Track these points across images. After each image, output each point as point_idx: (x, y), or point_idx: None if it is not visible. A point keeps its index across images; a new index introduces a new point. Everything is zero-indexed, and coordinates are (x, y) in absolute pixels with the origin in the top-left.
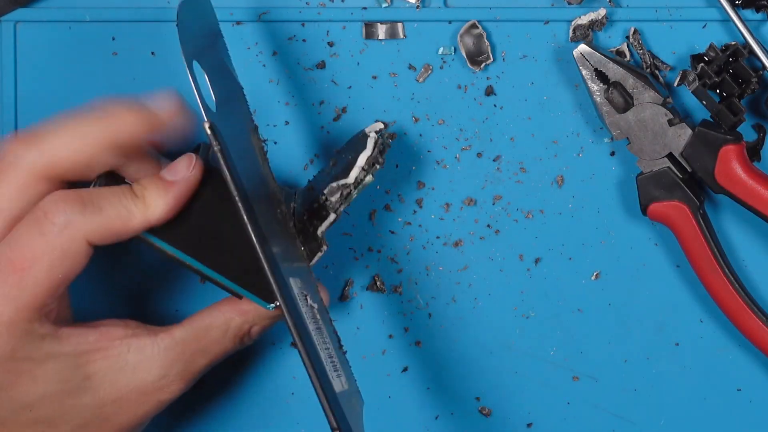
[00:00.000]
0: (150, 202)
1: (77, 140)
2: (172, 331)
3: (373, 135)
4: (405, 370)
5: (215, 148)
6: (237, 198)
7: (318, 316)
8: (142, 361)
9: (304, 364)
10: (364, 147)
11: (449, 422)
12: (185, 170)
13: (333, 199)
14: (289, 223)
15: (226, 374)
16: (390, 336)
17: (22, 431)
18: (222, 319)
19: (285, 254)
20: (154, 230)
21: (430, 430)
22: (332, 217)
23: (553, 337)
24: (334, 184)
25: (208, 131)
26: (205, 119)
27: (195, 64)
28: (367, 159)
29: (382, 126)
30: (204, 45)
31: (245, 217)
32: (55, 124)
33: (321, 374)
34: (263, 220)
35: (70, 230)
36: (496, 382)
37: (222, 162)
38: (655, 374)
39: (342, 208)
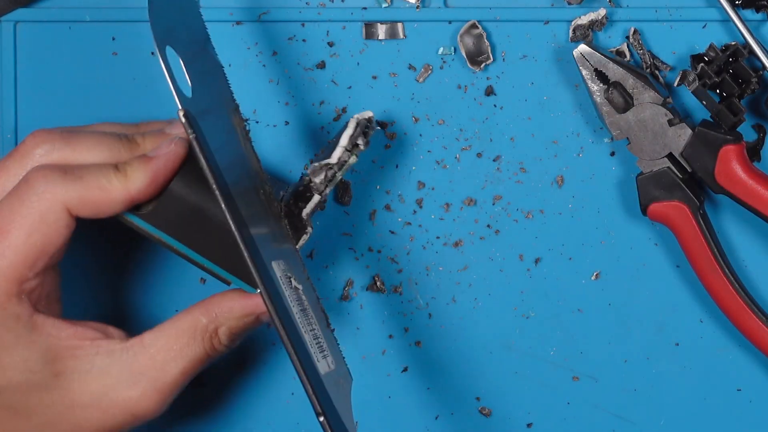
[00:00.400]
0: (130, 175)
1: (104, 184)
2: (143, 337)
3: (356, 117)
4: (405, 370)
5: (190, 137)
6: (213, 183)
7: (303, 297)
8: (110, 365)
9: (285, 348)
10: (346, 128)
11: (449, 422)
12: (166, 146)
13: (317, 180)
14: (273, 204)
15: (227, 374)
16: (390, 336)
17: None
18: (190, 321)
19: (267, 236)
20: (140, 213)
21: (430, 430)
22: (317, 198)
23: (553, 337)
24: (317, 164)
25: (182, 119)
26: (179, 107)
27: (169, 49)
28: (349, 138)
29: (370, 114)
30: (180, 30)
31: (222, 203)
32: (85, 164)
33: (303, 357)
34: (244, 201)
35: (49, 195)
36: (496, 382)
37: (197, 149)
38: (655, 374)
39: (327, 190)
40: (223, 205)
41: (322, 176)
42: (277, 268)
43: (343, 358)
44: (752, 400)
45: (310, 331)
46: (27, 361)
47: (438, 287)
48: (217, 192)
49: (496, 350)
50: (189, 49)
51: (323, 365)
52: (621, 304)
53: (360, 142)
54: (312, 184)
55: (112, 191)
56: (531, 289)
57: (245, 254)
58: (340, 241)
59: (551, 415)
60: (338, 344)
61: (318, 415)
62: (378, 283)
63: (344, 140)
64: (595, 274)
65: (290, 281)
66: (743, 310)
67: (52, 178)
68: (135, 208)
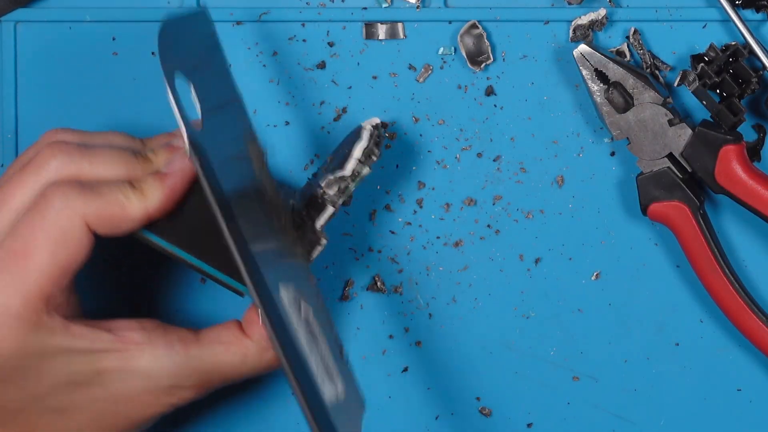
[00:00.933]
0: (147, 192)
1: (121, 199)
2: (189, 347)
3: (368, 127)
4: (405, 370)
5: (195, 163)
6: (214, 206)
7: (312, 320)
8: (154, 370)
9: (286, 375)
10: (360, 139)
11: (449, 422)
12: (179, 162)
13: (331, 192)
14: (289, 228)
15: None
16: (390, 336)
17: (34, 423)
18: (239, 347)
19: (275, 254)
20: (153, 228)
21: (430, 430)
22: (330, 210)
23: (553, 337)
24: (331, 177)
25: (187, 146)
26: (185, 136)
27: (180, 77)
28: (363, 150)
29: (378, 121)
30: (194, 58)
31: (222, 224)
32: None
33: (306, 385)
34: (252, 227)
35: (69, 212)
36: (496, 382)
37: (200, 174)
38: (655, 374)
39: (341, 201)
40: (224, 231)
41: (335, 188)
42: (285, 292)
43: (356, 384)
44: (752, 400)
45: (317, 354)
46: (71, 365)
47: (438, 287)
48: (219, 217)
49: (496, 350)
50: (204, 80)
51: (330, 393)
52: (621, 304)
53: (373, 154)
54: (326, 196)
55: (130, 208)
56: (531, 289)
57: (245, 275)
58: (341, 241)
59: (551, 415)
60: (351, 369)
61: None
62: (378, 283)
63: (358, 152)
64: (595, 274)
65: (300, 305)
66: (743, 310)
67: (71, 194)
68: (149, 223)
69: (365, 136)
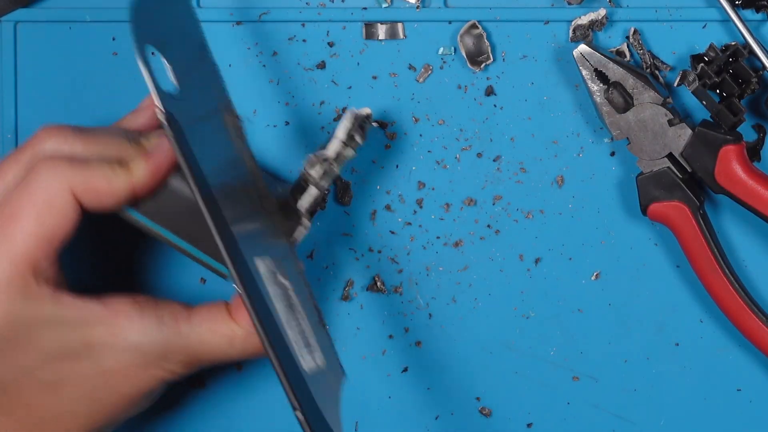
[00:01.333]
0: (132, 169)
1: (108, 173)
2: (179, 323)
3: (353, 109)
4: (405, 370)
5: (169, 136)
6: (191, 180)
7: (292, 294)
8: (144, 343)
9: (261, 341)
10: (342, 120)
11: (449, 422)
12: (165, 143)
13: (313, 172)
14: (267, 200)
15: (226, 374)
16: (390, 336)
17: (26, 396)
18: (226, 331)
19: (257, 233)
20: (139, 208)
21: (430, 430)
22: (313, 190)
23: (553, 337)
24: (312, 156)
25: (162, 120)
26: (160, 108)
27: (150, 49)
28: (346, 131)
29: (369, 111)
30: (167, 30)
31: (201, 201)
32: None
33: (282, 352)
34: (232, 199)
35: (56, 181)
36: (496, 382)
37: (176, 148)
38: (655, 374)
39: (325, 184)
40: (201, 204)
41: (318, 168)
42: (262, 265)
43: (337, 355)
44: (752, 400)
45: (296, 327)
46: (60, 335)
47: (438, 287)
48: (195, 189)
49: (496, 350)
50: (177, 49)
51: (308, 362)
52: (621, 304)
53: (357, 136)
54: (309, 177)
55: (116, 183)
56: (531, 289)
57: (220, 246)
58: (341, 242)
59: (551, 415)
60: (331, 341)
61: (294, 409)
62: (378, 284)
63: (340, 133)
64: (595, 274)
65: (275, 277)
66: (743, 310)
67: (60, 166)
68: (134, 204)
69: (347, 117)
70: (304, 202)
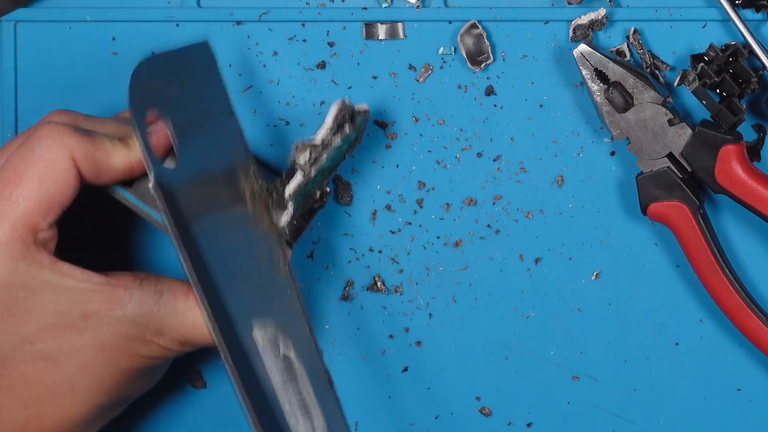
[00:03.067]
0: (131, 146)
1: (109, 147)
2: (177, 300)
3: (340, 99)
4: (405, 370)
5: (161, 210)
6: (179, 251)
7: (294, 363)
8: (141, 316)
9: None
10: (331, 109)
11: (449, 422)
12: (164, 127)
13: (300, 158)
14: (283, 259)
15: (226, 374)
16: (390, 336)
17: (24, 368)
18: None
19: (259, 295)
20: (133, 189)
21: (430, 430)
22: (299, 176)
23: (553, 337)
24: (299, 141)
25: (152, 191)
26: (151, 179)
27: (152, 111)
28: (333, 118)
29: (366, 107)
30: (177, 90)
31: (188, 275)
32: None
33: (266, 420)
34: (232, 264)
35: (58, 145)
36: (496, 382)
37: (167, 218)
38: (655, 374)
39: (312, 171)
40: (188, 275)
41: (306, 156)
42: (261, 334)
43: (343, 416)
44: (752, 400)
45: (294, 395)
46: (58, 303)
47: (438, 287)
48: (182, 259)
49: (496, 350)
50: (186, 110)
51: (305, 428)
52: (621, 304)
53: (347, 125)
54: (296, 164)
55: (115, 156)
56: (531, 289)
57: (212, 331)
58: (341, 241)
59: (551, 415)
60: (339, 404)
61: None
62: (378, 284)
63: (328, 120)
64: (595, 274)
65: (276, 347)
66: (743, 310)
67: (63, 131)
68: (129, 183)
69: (337, 104)
70: (290, 187)
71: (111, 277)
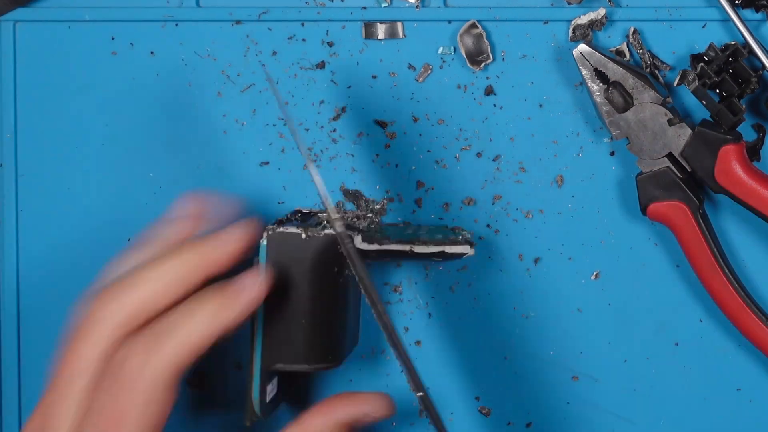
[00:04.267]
0: (220, 316)
1: (158, 288)
2: None
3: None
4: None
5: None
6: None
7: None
8: None
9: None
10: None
11: (449, 422)
12: (251, 282)
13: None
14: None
15: (227, 374)
16: None
17: None
18: None
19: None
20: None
21: (430, 431)
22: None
23: (553, 337)
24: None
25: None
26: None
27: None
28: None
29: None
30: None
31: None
32: (131, 273)
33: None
34: None
35: (149, 374)
36: (496, 382)
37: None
38: (655, 374)
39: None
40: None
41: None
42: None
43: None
44: (752, 400)
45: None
46: None
47: (437, 287)
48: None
49: (496, 350)
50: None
51: None
52: (621, 304)
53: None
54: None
55: (207, 337)
56: (530, 289)
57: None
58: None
59: (551, 415)
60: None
61: (418, 391)
62: (378, 283)
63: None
64: (594, 274)
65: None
66: (743, 310)
67: (143, 351)
68: None
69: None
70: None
71: None
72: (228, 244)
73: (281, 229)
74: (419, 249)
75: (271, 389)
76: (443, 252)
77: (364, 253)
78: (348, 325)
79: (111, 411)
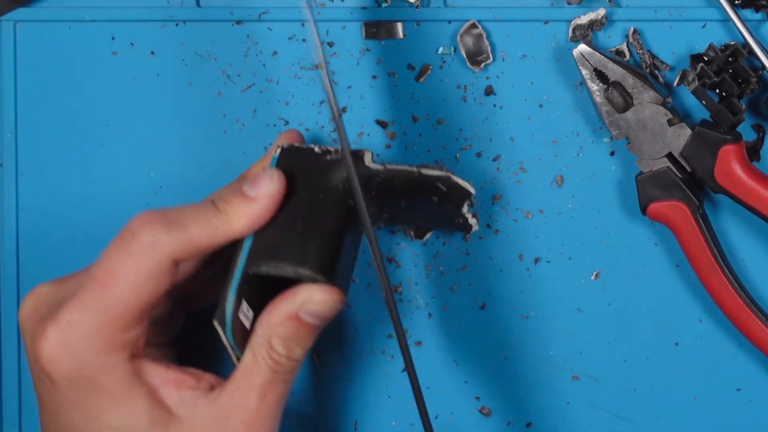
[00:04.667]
0: (232, 218)
1: (208, 230)
2: (227, 385)
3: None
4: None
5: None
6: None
7: None
8: (206, 415)
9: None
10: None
11: (449, 422)
12: (267, 186)
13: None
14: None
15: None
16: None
17: None
18: (249, 348)
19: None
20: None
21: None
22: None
23: (553, 337)
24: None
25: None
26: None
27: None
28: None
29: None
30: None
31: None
32: (186, 208)
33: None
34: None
35: (156, 250)
36: (496, 382)
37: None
38: (655, 374)
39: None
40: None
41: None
42: None
43: None
44: (752, 400)
45: None
46: (129, 407)
47: (438, 287)
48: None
49: (496, 350)
50: None
51: None
52: (621, 304)
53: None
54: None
55: (217, 236)
56: (530, 288)
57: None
58: None
59: (551, 415)
60: None
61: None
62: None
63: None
64: (594, 274)
65: None
66: (743, 310)
67: (158, 230)
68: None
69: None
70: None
71: (179, 376)
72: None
73: (296, 144)
74: (426, 171)
75: (247, 312)
76: (449, 179)
77: (369, 181)
78: (342, 257)
79: (110, 267)
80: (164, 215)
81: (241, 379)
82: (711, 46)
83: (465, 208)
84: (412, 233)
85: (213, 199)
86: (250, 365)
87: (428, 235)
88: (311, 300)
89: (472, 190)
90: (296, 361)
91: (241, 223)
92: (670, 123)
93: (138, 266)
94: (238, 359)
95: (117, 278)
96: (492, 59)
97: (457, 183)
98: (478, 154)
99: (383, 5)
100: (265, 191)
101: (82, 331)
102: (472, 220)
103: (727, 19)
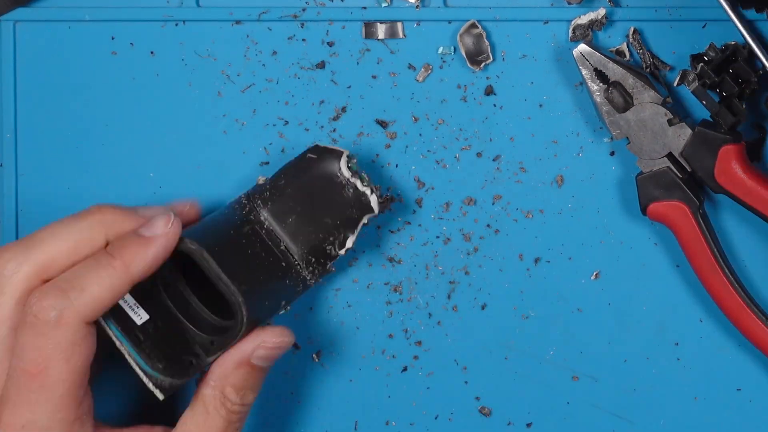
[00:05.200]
0: (130, 264)
1: (67, 243)
2: None
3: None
4: (405, 370)
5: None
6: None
7: None
8: None
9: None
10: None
11: (449, 422)
12: (163, 227)
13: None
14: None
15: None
16: (390, 336)
17: None
18: (199, 401)
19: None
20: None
21: (430, 430)
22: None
23: (553, 337)
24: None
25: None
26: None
27: None
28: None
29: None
30: None
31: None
32: (42, 231)
33: None
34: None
35: (65, 320)
36: (496, 382)
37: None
38: (655, 374)
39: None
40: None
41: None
42: None
43: None
44: (752, 400)
45: None
46: None
47: (438, 287)
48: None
49: (496, 350)
50: None
51: None
52: (621, 304)
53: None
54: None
55: (117, 287)
56: (531, 288)
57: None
58: None
59: (551, 415)
60: None
61: None
62: (378, 283)
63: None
64: (594, 273)
65: None
66: (743, 310)
67: (58, 304)
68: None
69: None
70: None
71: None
72: (141, 221)
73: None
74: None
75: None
76: (316, 146)
77: (262, 194)
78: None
79: (32, 355)
80: (57, 285)
81: None
82: (711, 46)
83: (343, 166)
84: (336, 246)
85: (108, 247)
86: (201, 419)
87: (349, 243)
88: (264, 345)
89: (344, 150)
90: (249, 406)
91: (138, 269)
92: (670, 123)
93: (57, 343)
94: (129, 354)
95: (46, 363)
96: (492, 59)
97: (325, 147)
98: (478, 154)
99: (383, 5)
100: (162, 231)
101: (41, 427)
102: (363, 188)
103: (727, 19)
